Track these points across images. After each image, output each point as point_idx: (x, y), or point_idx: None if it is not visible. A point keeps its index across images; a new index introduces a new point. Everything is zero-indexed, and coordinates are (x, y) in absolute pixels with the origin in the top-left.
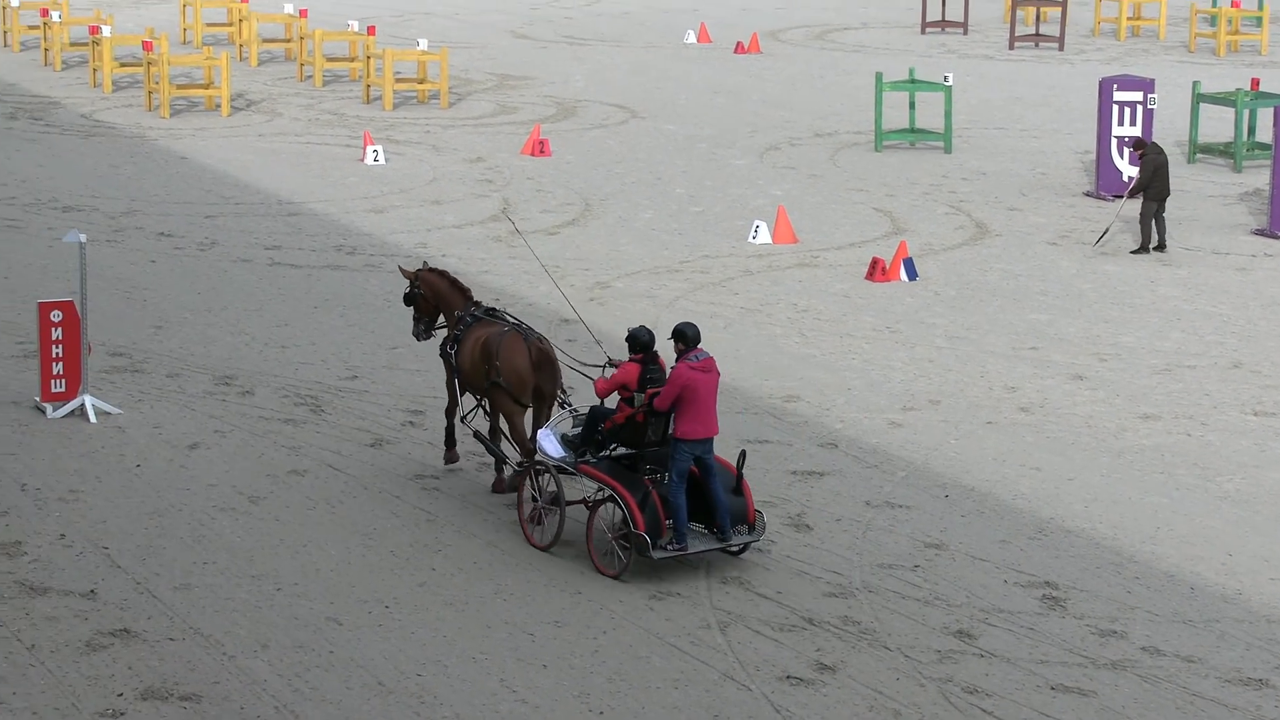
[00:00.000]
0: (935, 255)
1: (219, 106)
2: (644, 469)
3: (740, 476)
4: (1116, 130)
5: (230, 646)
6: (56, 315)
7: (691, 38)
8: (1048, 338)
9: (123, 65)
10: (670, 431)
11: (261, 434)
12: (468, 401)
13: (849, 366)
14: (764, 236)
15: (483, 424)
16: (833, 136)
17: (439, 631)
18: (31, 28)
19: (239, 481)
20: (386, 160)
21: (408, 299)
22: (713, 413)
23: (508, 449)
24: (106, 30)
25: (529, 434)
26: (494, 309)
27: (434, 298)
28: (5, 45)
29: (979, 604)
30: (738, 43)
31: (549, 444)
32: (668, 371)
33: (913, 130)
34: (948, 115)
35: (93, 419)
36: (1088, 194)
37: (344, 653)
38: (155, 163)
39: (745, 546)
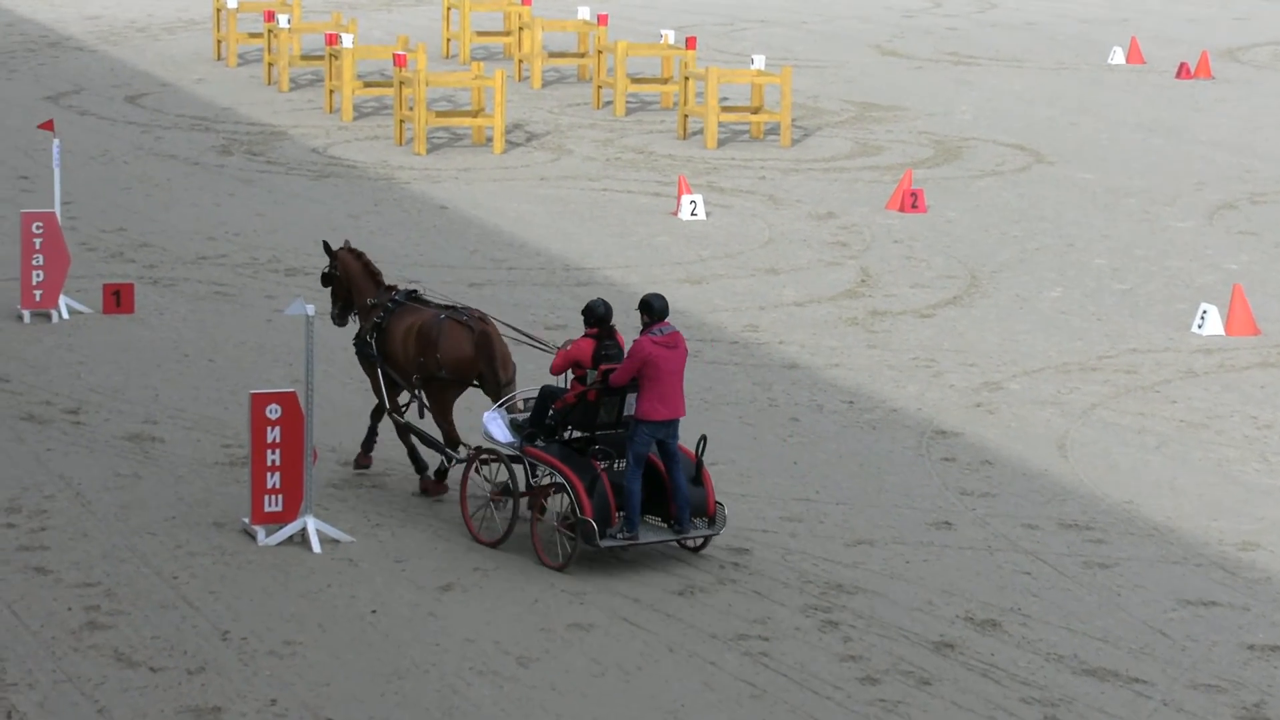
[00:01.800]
0: None
1: (490, 141)
2: (595, 452)
3: (700, 464)
4: None
5: None
6: (274, 411)
7: (1119, 56)
8: None
9: (367, 85)
10: (630, 412)
11: (538, 576)
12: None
13: None
14: (1214, 326)
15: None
16: None
17: None
18: (253, 36)
19: (504, 636)
20: (708, 214)
21: (325, 279)
22: (679, 392)
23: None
24: (348, 39)
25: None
26: (415, 291)
27: (346, 280)
28: (219, 58)
29: None
30: (1181, 64)
31: (496, 428)
32: (627, 348)
33: None
34: None
35: (316, 548)
36: None
37: None
38: (406, 213)
39: (705, 542)
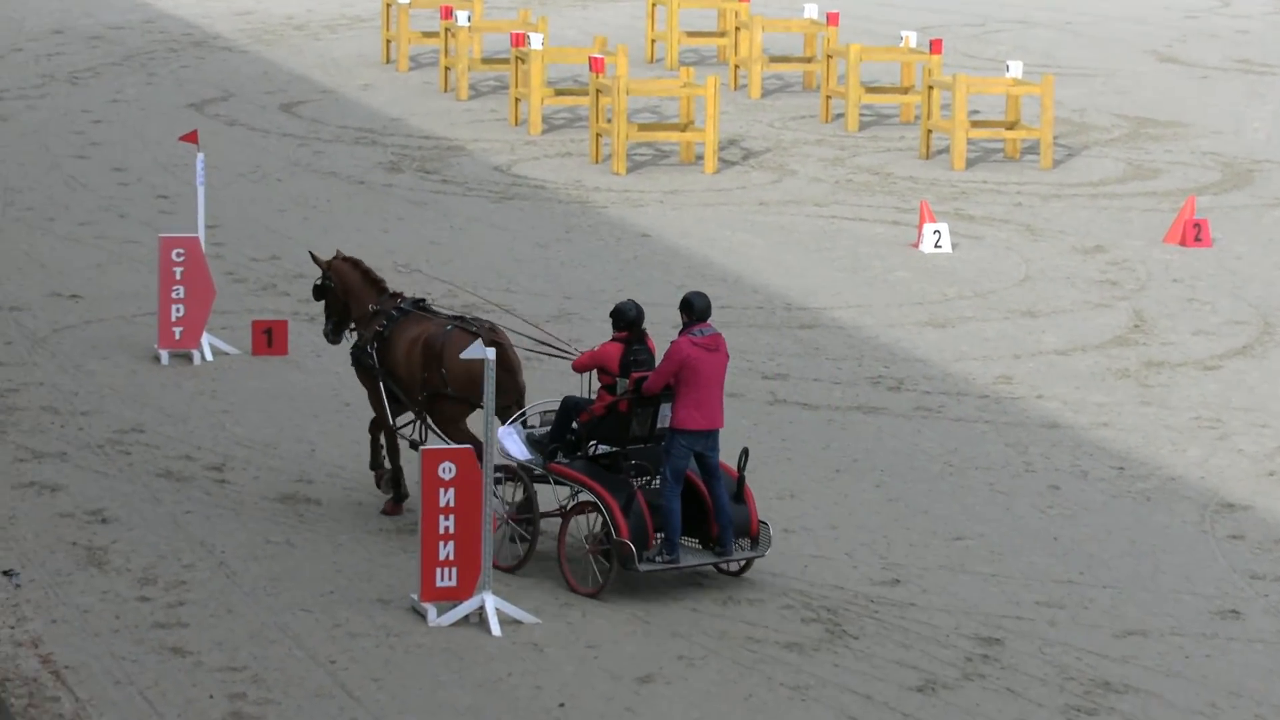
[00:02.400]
0: None
1: (700, 159)
2: (628, 469)
3: (742, 480)
4: None
5: None
6: (448, 470)
7: None
8: None
9: (559, 93)
10: (664, 424)
11: (750, 664)
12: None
13: None
14: None
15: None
16: None
17: None
18: (427, 35)
19: None
20: (954, 247)
21: (316, 292)
22: (718, 401)
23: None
24: (537, 40)
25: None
26: (423, 301)
27: (343, 291)
28: (388, 61)
29: None
30: None
31: (512, 444)
32: (658, 356)
33: None
34: None
35: (496, 630)
36: None
37: None
38: (602, 241)
39: (747, 564)
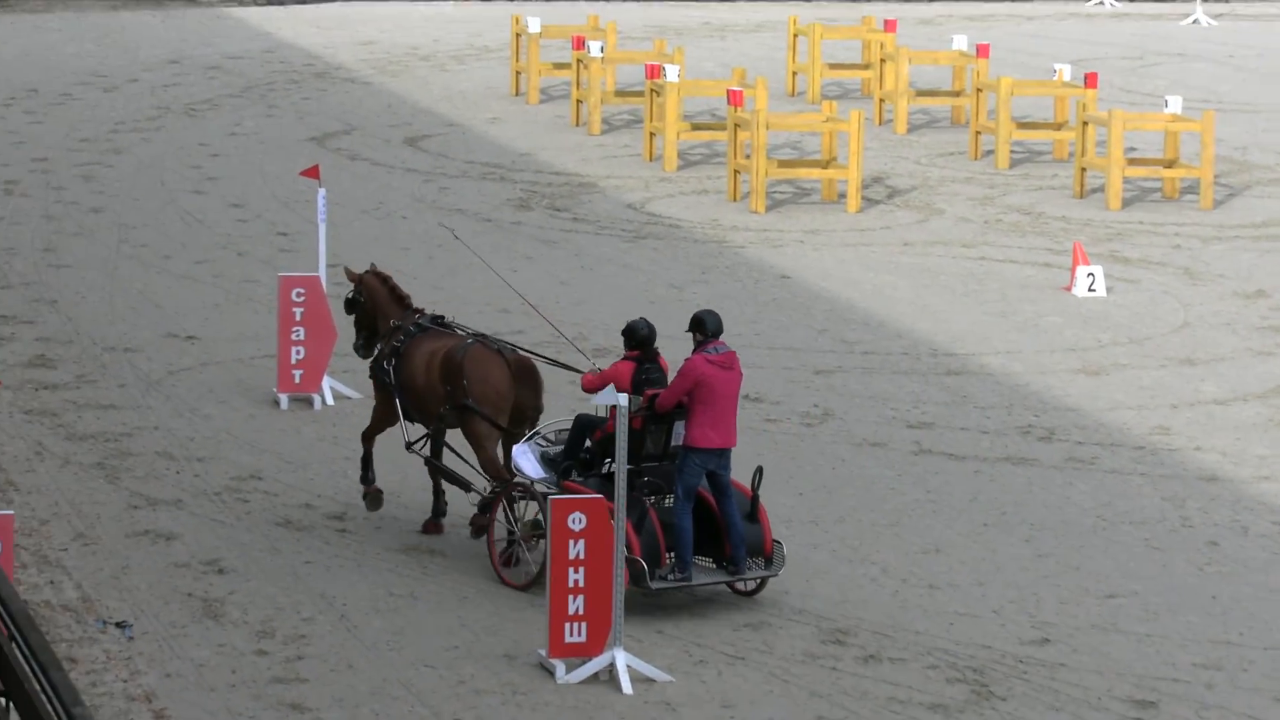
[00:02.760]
0: None
1: (843, 197)
2: (641, 486)
3: (756, 499)
4: None
5: None
6: (578, 521)
7: None
8: None
9: (695, 128)
10: (678, 442)
11: None
12: (415, 430)
13: None
14: None
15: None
16: None
17: None
18: (558, 67)
19: None
20: (1109, 290)
21: (348, 305)
22: (732, 419)
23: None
24: (673, 72)
25: (501, 458)
26: (442, 317)
27: (371, 306)
28: (518, 93)
29: None
30: None
31: (526, 463)
32: (671, 374)
33: None
34: None
35: (627, 688)
36: None
37: None
38: (740, 283)
39: (761, 584)
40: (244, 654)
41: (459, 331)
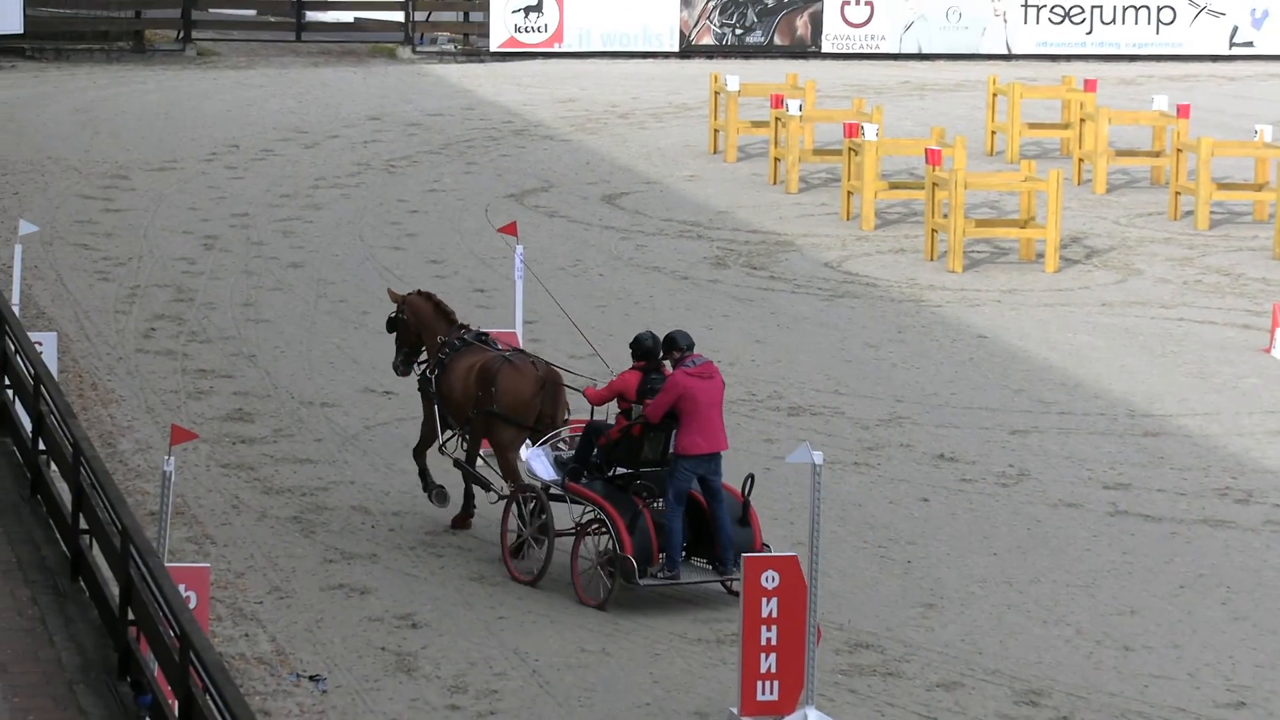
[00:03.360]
0: None
1: (1041, 257)
2: (638, 489)
3: (747, 504)
4: None
5: None
6: (771, 579)
7: None
8: None
9: (893, 187)
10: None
11: None
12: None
13: None
14: None
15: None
16: None
17: None
18: (756, 125)
19: None
20: None
21: (390, 324)
22: (719, 425)
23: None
24: (871, 131)
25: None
26: (485, 334)
27: (416, 324)
28: (715, 151)
29: None
30: None
31: (539, 465)
32: None
33: None
34: None
35: None
36: None
37: None
38: (936, 342)
39: None
40: (437, 709)
41: (498, 347)
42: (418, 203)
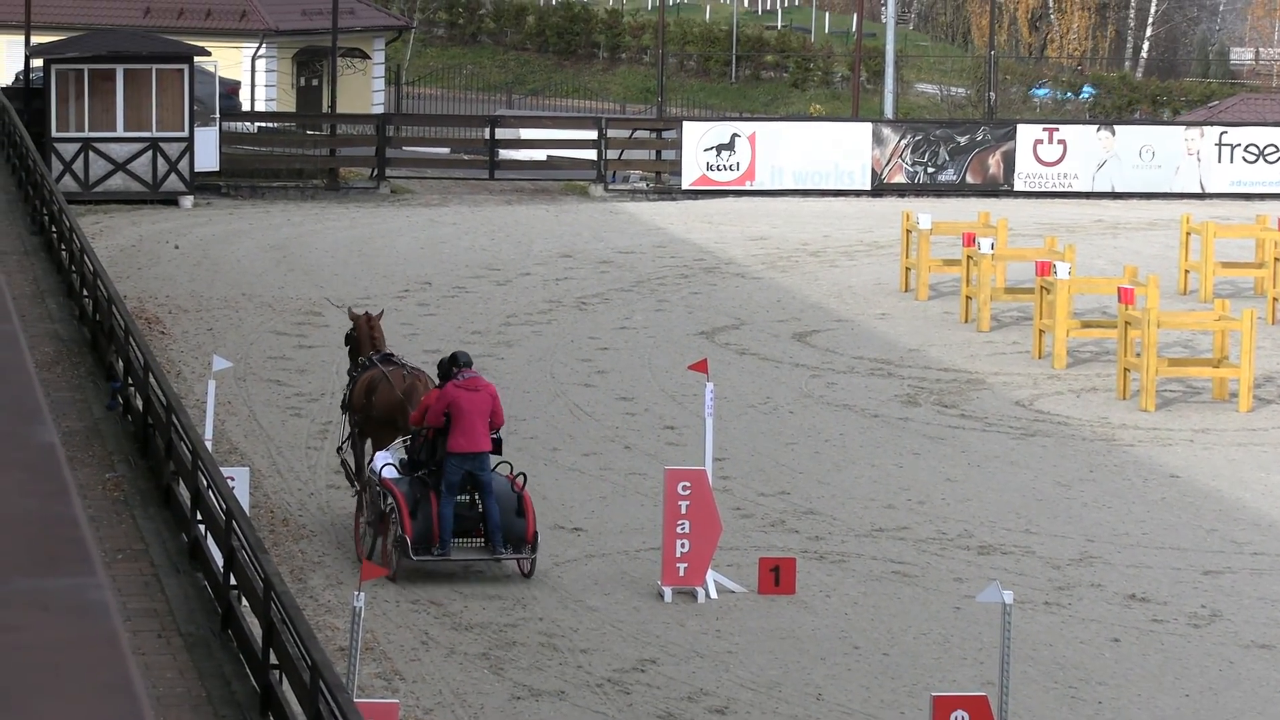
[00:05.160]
0: None
1: (1234, 396)
2: (424, 481)
3: (520, 497)
4: None
5: None
6: (959, 718)
7: None
8: None
9: (1085, 326)
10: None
11: None
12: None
13: None
14: None
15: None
16: None
17: None
18: (948, 263)
19: None
20: None
21: (346, 338)
22: (481, 430)
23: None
24: (1063, 269)
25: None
26: (390, 355)
27: (357, 344)
28: (907, 289)
29: None
30: None
31: (378, 461)
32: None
33: None
34: None
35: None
36: None
37: None
38: (1128, 481)
39: (531, 568)
40: None
41: (394, 366)
42: (609, 340)
